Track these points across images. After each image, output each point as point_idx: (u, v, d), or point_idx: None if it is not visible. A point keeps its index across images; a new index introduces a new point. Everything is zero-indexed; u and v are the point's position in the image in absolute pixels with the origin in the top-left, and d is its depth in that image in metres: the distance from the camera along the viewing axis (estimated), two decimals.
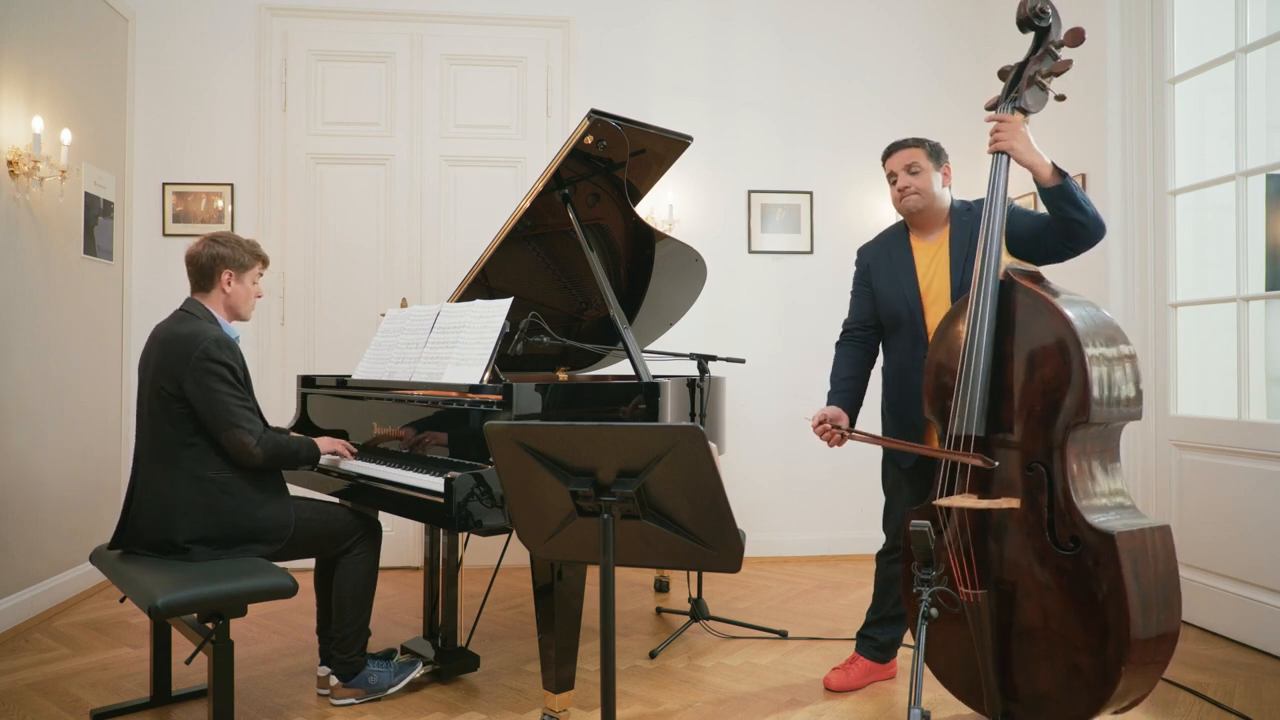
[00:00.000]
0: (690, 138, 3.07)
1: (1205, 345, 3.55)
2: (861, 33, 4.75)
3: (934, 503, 2.22)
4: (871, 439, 2.41)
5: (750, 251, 4.68)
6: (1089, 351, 2.01)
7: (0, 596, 3.33)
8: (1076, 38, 2.24)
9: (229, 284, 2.59)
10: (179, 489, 2.42)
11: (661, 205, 4.48)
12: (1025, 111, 2.31)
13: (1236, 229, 3.19)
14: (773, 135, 4.70)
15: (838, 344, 2.82)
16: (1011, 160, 2.28)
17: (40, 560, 3.60)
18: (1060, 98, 2.32)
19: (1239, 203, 3.19)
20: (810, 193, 4.69)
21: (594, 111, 2.73)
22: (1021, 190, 4.38)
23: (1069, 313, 2.05)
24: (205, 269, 2.58)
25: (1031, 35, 2.31)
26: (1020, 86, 2.30)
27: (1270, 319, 3.30)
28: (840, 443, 2.49)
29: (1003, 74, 2.39)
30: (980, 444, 2.17)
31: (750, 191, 4.67)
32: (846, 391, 2.71)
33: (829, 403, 2.70)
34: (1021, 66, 2.32)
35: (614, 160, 2.98)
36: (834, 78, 4.73)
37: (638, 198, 3.23)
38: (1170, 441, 3.46)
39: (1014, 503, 2.11)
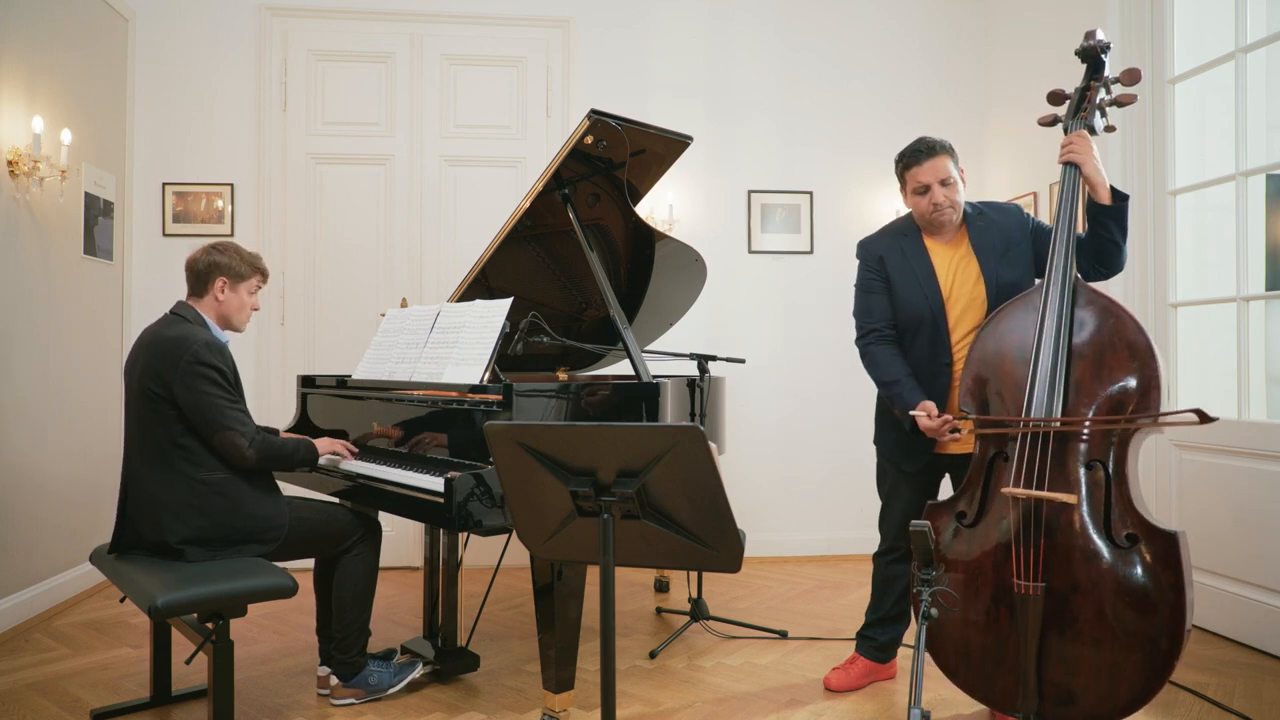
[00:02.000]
0: (690, 138, 3.07)
1: (1205, 345, 3.55)
2: (861, 33, 4.75)
3: (1004, 490, 2.21)
4: (991, 424, 2.32)
5: (750, 251, 4.68)
6: (1159, 359, 2.11)
7: (0, 596, 3.33)
8: (1133, 78, 2.34)
9: (222, 292, 2.58)
10: (171, 491, 2.41)
11: (661, 205, 4.48)
12: (1093, 131, 2.40)
13: (1236, 229, 3.19)
14: (773, 135, 4.70)
15: (871, 344, 2.64)
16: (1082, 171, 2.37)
17: (40, 560, 3.60)
18: (1110, 129, 2.44)
19: (1239, 203, 3.19)
20: (810, 193, 4.69)
21: (594, 111, 2.73)
22: (1018, 192, 4.38)
23: (1139, 322, 2.15)
24: (201, 275, 2.58)
25: (1086, 65, 2.44)
26: (1086, 107, 2.41)
27: (1270, 319, 3.30)
28: (961, 437, 2.43)
29: (1054, 97, 2.49)
30: (1038, 437, 2.20)
31: (750, 191, 4.67)
32: (918, 386, 2.53)
33: (914, 399, 2.49)
34: (1083, 92, 2.43)
35: (614, 160, 2.98)
36: (834, 78, 4.73)
37: (638, 198, 3.23)
38: (1170, 441, 3.46)
39: (1071, 498, 2.13)
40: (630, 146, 2.91)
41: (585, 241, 2.94)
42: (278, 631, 3.43)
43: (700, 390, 3.16)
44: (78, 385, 3.87)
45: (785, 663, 3.08)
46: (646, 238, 3.20)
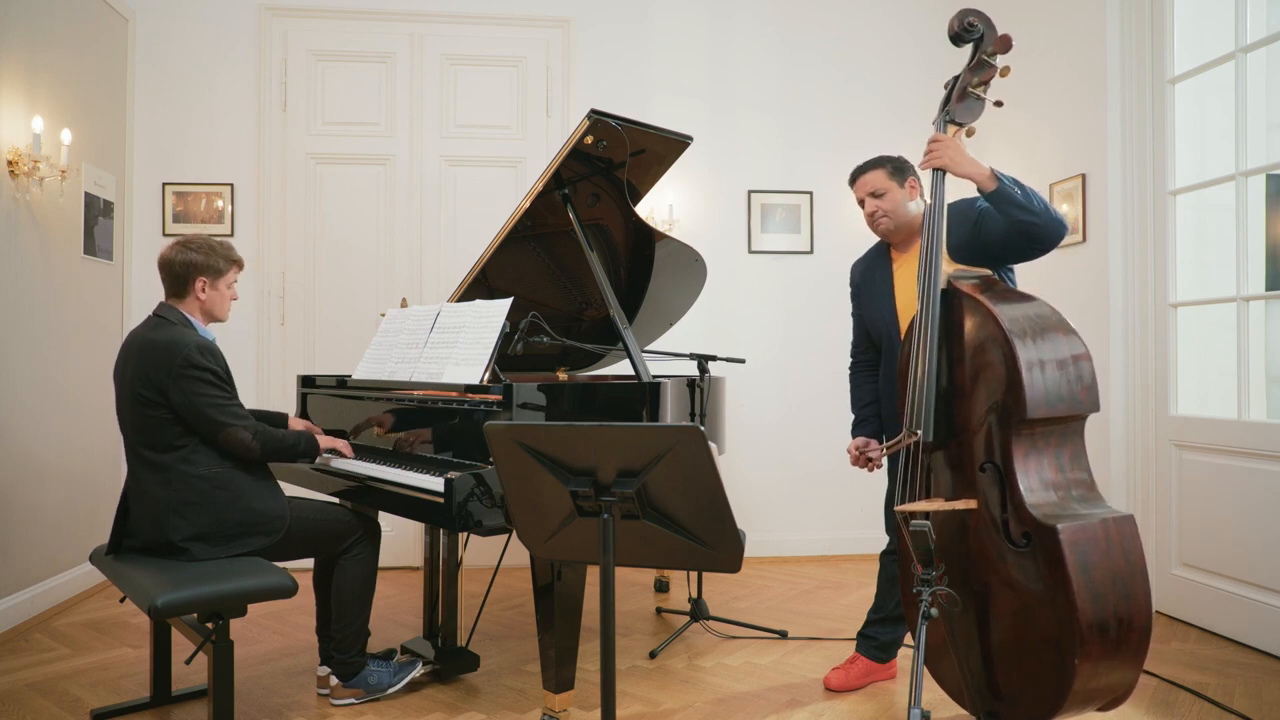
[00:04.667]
0: (690, 138, 3.07)
1: (1205, 345, 3.55)
2: (861, 33, 4.74)
3: (895, 508, 2.23)
4: (891, 446, 2.43)
5: (750, 251, 4.68)
6: (1021, 352, 2.04)
7: (0, 596, 3.33)
8: (1005, 44, 2.25)
9: (203, 291, 2.56)
10: (172, 491, 2.41)
11: (661, 205, 4.48)
12: (959, 124, 2.33)
13: (1236, 229, 3.19)
14: (773, 135, 4.70)
15: (849, 372, 2.86)
16: (950, 173, 2.29)
17: (40, 560, 3.60)
18: (998, 104, 2.33)
19: (1239, 203, 3.19)
20: (810, 193, 4.69)
21: (594, 111, 2.73)
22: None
23: (1001, 316, 2.08)
24: (179, 276, 2.56)
25: (969, 48, 2.33)
26: (952, 100, 2.33)
27: (1270, 319, 3.30)
28: (880, 465, 2.63)
29: (946, 86, 2.40)
30: (932, 449, 2.22)
31: (750, 191, 4.67)
32: (868, 420, 2.77)
33: (854, 435, 2.76)
34: (955, 79, 2.35)
35: (614, 160, 2.98)
36: (834, 78, 4.73)
37: (638, 198, 3.23)
38: (1170, 441, 3.46)
39: (971, 504, 2.13)
40: (630, 146, 2.91)
41: (585, 241, 2.94)
42: (278, 631, 3.43)
43: (700, 390, 3.16)
44: (78, 385, 3.87)
45: (785, 663, 3.08)
46: (646, 238, 3.20)
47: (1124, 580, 1.99)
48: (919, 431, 2.17)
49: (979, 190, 2.31)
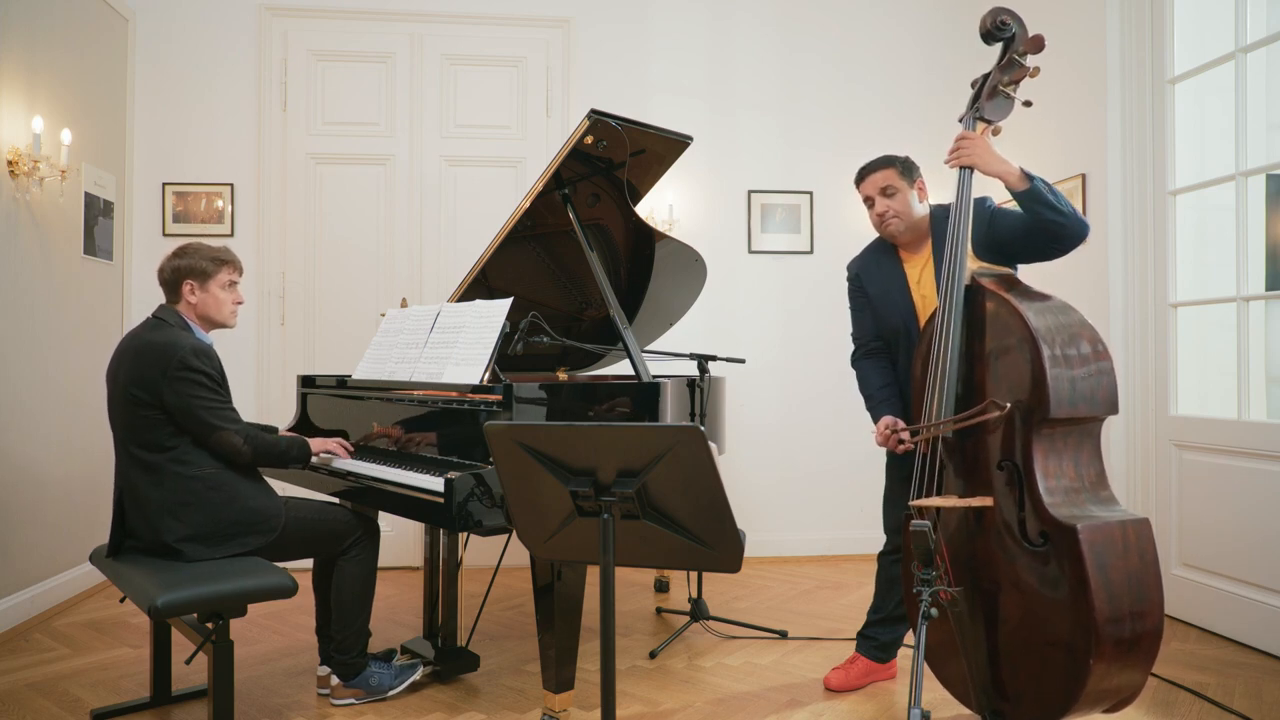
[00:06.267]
0: (690, 138, 3.07)
1: (1205, 345, 3.55)
2: (862, 33, 4.74)
3: (911, 503, 2.23)
4: (917, 435, 2.39)
5: (750, 251, 4.68)
6: (1047, 352, 2.05)
7: (0, 596, 3.33)
8: (1037, 44, 2.25)
9: (193, 294, 2.56)
10: (164, 491, 2.41)
11: (661, 205, 4.48)
12: (988, 122, 2.33)
13: (1236, 229, 3.19)
14: (773, 135, 4.70)
15: (857, 360, 2.77)
16: (978, 171, 2.29)
17: (40, 560, 3.60)
18: (1027, 104, 2.33)
19: (1239, 203, 3.19)
20: (810, 193, 4.69)
21: (594, 111, 2.73)
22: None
23: (1028, 315, 2.09)
24: (170, 283, 2.58)
25: (999, 46, 2.32)
26: (983, 98, 2.32)
27: (1270, 319, 3.30)
28: (911, 445, 2.45)
29: (974, 85, 2.40)
30: (950, 444, 2.22)
31: (750, 191, 4.67)
32: (889, 399, 2.63)
33: (876, 416, 2.60)
34: (986, 77, 2.35)
35: (614, 160, 2.98)
36: (834, 78, 4.73)
37: (638, 198, 3.23)
38: (1170, 441, 3.46)
39: (987, 501, 2.13)
40: (630, 146, 2.91)
41: (585, 241, 2.94)
42: (278, 631, 3.43)
43: (700, 390, 3.16)
44: (77, 385, 3.86)
45: (785, 663, 3.08)
46: (647, 238, 3.20)
47: (1139, 582, 2.00)
48: (1006, 405, 2.08)
49: (1009, 190, 2.29)
